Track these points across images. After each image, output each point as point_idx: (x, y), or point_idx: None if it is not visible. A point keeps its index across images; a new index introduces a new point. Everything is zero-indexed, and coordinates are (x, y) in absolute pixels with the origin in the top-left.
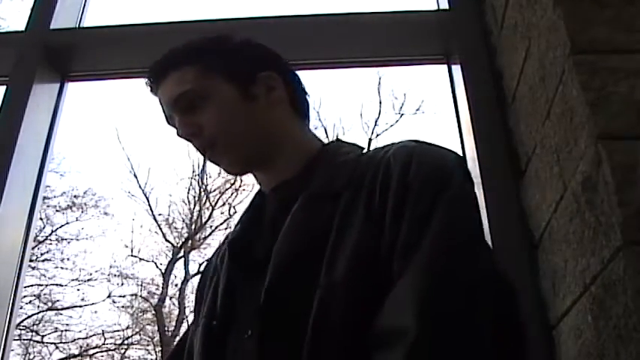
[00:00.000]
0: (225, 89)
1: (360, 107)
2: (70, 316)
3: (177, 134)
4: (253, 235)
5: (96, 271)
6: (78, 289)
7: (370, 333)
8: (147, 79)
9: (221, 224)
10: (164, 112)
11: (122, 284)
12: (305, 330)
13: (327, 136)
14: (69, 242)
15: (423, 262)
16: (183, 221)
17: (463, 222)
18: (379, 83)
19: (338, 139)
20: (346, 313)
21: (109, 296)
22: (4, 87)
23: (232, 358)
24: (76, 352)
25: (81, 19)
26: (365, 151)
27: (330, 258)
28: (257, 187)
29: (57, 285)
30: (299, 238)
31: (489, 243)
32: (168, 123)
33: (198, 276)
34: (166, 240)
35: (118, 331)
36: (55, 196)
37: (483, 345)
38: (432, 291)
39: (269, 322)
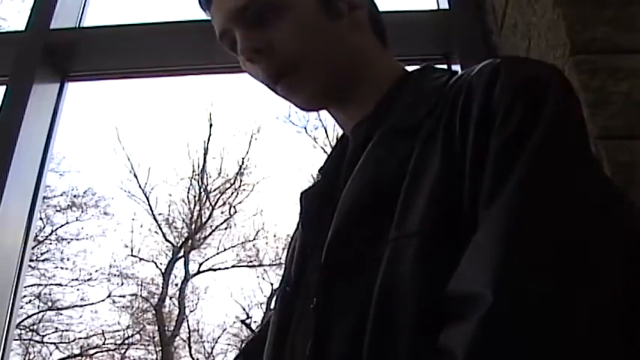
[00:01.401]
0: (304, 0)
1: None
2: (70, 316)
3: (238, 51)
4: (330, 185)
5: (96, 271)
6: (78, 289)
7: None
8: None
9: (221, 224)
10: (218, 26)
11: (122, 284)
12: (371, 295)
13: (328, 136)
14: (69, 242)
15: (506, 208)
16: (183, 221)
17: (564, 148)
18: None
19: (430, 65)
20: (420, 274)
21: (109, 296)
22: (4, 87)
23: (295, 328)
24: (77, 351)
25: (81, 19)
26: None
27: (403, 208)
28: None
29: (57, 285)
30: (368, 185)
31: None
32: (221, 40)
33: (199, 276)
34: (166, 240)
35: (118, 331)
36: (55, 196)
37: (594, 331)
38: (515, 245)
39: (330, 287)
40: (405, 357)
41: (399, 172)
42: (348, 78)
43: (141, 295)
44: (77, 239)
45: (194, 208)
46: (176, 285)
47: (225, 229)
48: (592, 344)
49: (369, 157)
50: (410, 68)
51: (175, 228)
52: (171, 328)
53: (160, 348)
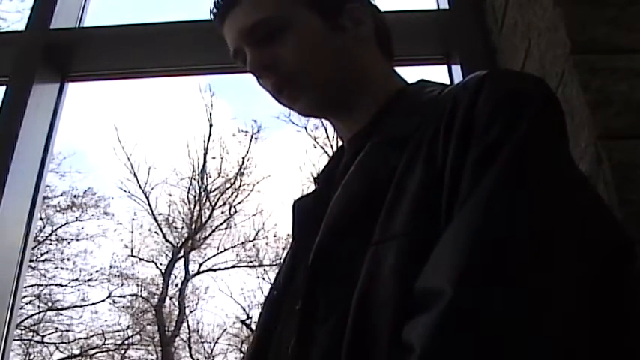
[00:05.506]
0: (308, 18)
1: None
2: (71, 316)
3: (248, 68)
4: (324, 194)
5: (96, 271)
6: (78, 289)
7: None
8: (212, 7)
9: (221, 224)
10: (231, 45)
11: (122, 284)
12: (353, 297)
13: (327, 136)
14: (69, 242)
15: (473, 209)
16: (183, 221)
17: (536, 160)
18: None
19: (423, 79)
20: (399, 275)
21: (109, 296)
22: (4, 87)
23: (281, 329)
24: (77, 352)
25: (81, 19)
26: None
27: (386, 214)
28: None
29: (57, 285)
30: (356, 193)
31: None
32: (235, 58)
33: (199, 276)
34: (166, 240)
35: (119, 331)
36: (55, 196)
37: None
38: (477, 243)
39: (315, 289)
40: (382, 356)
41: (386, 182)
42: (347, 90)
43: (141, 296)
44: (77, 239)
45: (194, 208)
46: (176, 285)
47: (225, 229)
48: (544, 341)
49: (359, 167)
50: (410, 70)
51: (175, 228)
52: (172, 329)
53: (160, 348)
